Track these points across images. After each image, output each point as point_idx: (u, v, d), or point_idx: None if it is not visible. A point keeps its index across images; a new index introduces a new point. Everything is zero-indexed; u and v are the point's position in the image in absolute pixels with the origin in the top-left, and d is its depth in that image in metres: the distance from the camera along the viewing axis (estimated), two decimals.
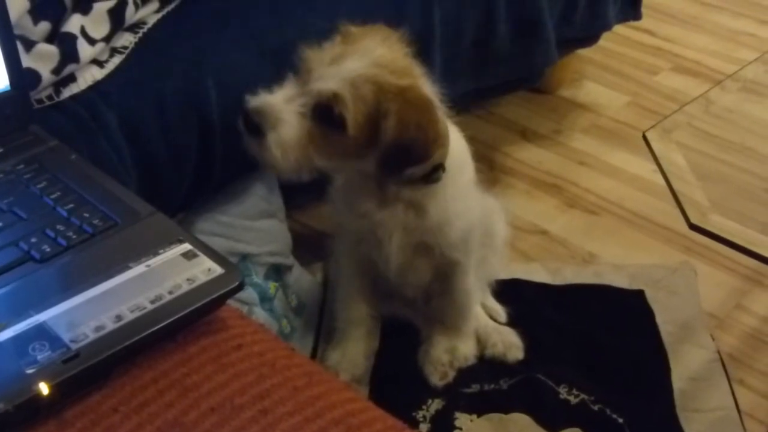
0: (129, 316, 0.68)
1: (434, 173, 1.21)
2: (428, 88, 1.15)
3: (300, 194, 1.68)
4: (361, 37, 1.14)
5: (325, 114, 1.10)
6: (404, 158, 1.13)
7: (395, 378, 1.45)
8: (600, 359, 1.49)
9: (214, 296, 0.71)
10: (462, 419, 1.37)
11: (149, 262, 0.74)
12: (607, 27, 2.00)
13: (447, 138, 1.16)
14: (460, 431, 1.35)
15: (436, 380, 1.42)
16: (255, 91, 1.12)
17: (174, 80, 1.22)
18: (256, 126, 1.11)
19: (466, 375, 1.44)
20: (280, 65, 1.32)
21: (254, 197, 1.44)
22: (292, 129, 1.10)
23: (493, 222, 1.49)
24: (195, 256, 0.74)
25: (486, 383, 1.43)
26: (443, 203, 1.26)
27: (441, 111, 1.16)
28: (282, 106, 1.11)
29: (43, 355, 0.64)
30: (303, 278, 1.58)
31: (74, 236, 0.77)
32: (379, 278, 1.44)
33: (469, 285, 1.43)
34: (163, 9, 1.32)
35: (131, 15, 1.24)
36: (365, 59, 1.10)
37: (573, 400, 1.40)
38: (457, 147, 1.24)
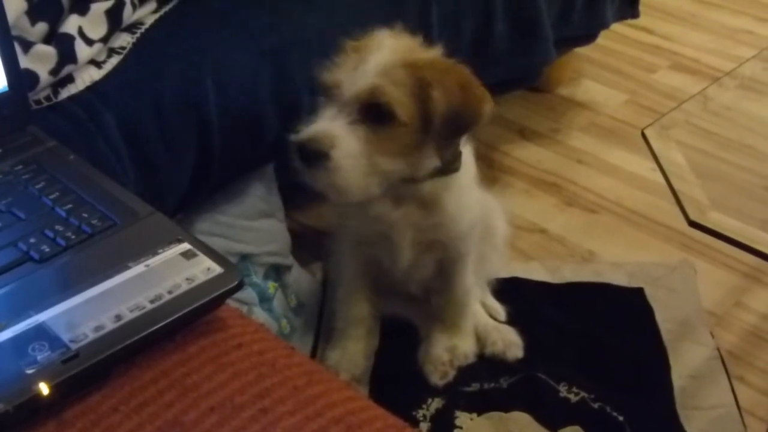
0: (128, 316, 0.68)
1: (454, 161, 1.22)
2: (450, 59, 1.16)
3: (299, 194, 1.68)
4: (368, 41, 1.15)
5: (373, 113, 1.10)
6: (460, 124, 1.14)
7: (395, 377, 1.45)
8: (600, 357, 1.49)
9: (213, 295, 0.71)
10: (462, 418, 1.37)
11: (148, 262, 0.74)
12: (605, 25, 2.00)
13: (489, 96, 1.16)
14: (460, 430, 1.35)
15: (436, 379, 1.42)
16: (295, 127, 1.11)
17: (172, 80, 1.22)
18: (315, 153, 1.09)
19: (466, 374, 1.44)
20: (279, 65, 1.33)
21: (253, 197, 1.44)
22: (351, 140, 1.10)
23: (494, 220, 1.49)
24: (194, 255, 0.74)
25: (486, 382, 1.43)
26: (457, 194, 1.27)
27: (472, 74, 1.16)
28: (330, 124, 1.10)
29: (42, 355, 0.64)
30: (302, 278, 1.58)
31: (73, 236, 0.77)
32: (382, 277, 1.44)
33: (469, 281, 1.44)
34: (161, 9, 1.31)
35: (129, 15, 1.24)
36: (385, 50, 1.12)
37: (573, 398, 1.40)
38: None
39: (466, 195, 1.29)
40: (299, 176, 1.13)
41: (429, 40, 1.20)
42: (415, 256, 1.35)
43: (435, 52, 1.16)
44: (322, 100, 1.14)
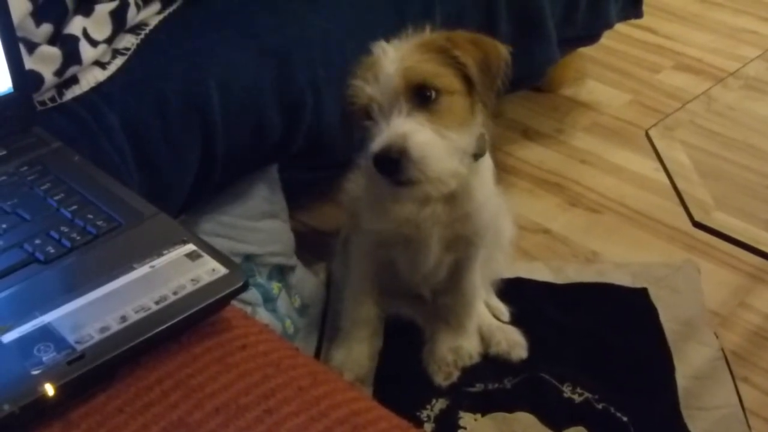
0: (134, 317, 0.68)
1: (482, 144, 1.24)
2: None
3: (302, 194, 1.68)
4: (372, 55, 1.16)
5: (419, 95, 1.12)
6: (492, 72, 1.16)
7: (399, 378, 1.45)
8: (603, 358, 1.49)
9: (218, 296, 0.71)
10: (466, 418, 1.37)
11: (153, 263, 0.74)
12: (609, 25, 2.00)
13: (497, 40, 1.20)
14: (464, 430, 1.35)
15: (440, 380, 1.42)
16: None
17: (175, 81, 1.22)
18: (397, 155, 1.10)
19: (470, 374, 1.44)
20: (282, 65, 1.33)
21: (257, 198, 1.44)
22: (417, 129, 1.11)
23: (500, 219, 1.49)
24: (199, 256, 0.74)
25: (490, 382, 1.43)
26: (484, 181, 1.29)
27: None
28: (391, 126, 1.11)
29: (48, 356, 0.64)
30: (306, 278, 1.58)
31: (78, 237, 0.77)
32: (393, 279, 1.44)
33: (477, 281, 1.44)
34: (165, 10, 1.32)
35: (133, 16, 1.24)
36: (396, 48, 1.15)
37: (577, 398, 1.40)
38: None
39: (489, 184, 1.32)
40: (400, 189, 1.15)
41: None
42: (440, 255, 1.36)
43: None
44: (368, 124, 1.15)
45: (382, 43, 1.17)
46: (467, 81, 1.15)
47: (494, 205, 1.35)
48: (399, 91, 1.12)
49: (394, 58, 1.13)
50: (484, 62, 1.15)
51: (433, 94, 1.12)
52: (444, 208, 1.28)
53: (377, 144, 1.11)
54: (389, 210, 1.28)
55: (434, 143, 1.12)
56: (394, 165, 1.11)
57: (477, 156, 1.24)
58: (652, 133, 2.11)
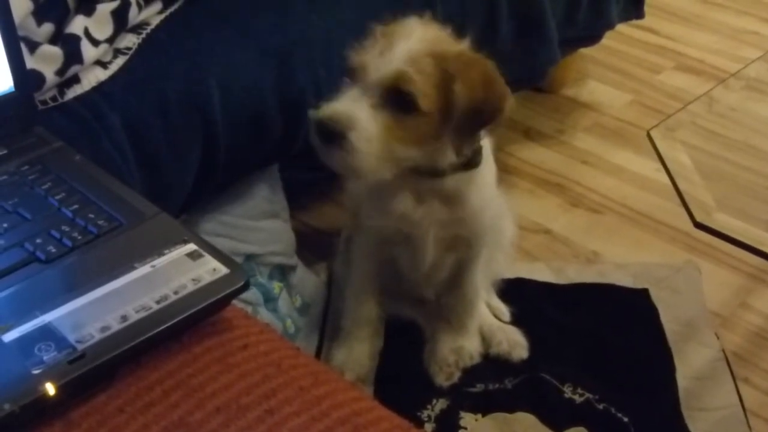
0: (134, 317, 0.68)
1: (476, 156, 1.22)
2: (477, 53, 1.17)
3: (303, 194, 1.68)
4: (397, 27, 1.15)
5: (395, 100, 1.11)
6: (479, 119, 1.14)
7: (400, 377, 1.45)
8: (604, 358, 1.49)
9: (219, 296, 0.71)
10: (467, 418, 1.37)
11: (154, 263, 0.74)
12: (610, 26, 2.00)
13: (509, 93, 1.16)
14: (465, 430, 1.35)
15: (441, 380, 1.42)
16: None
17: (177, 81, 1.22)
18: (333, 132, 1.10)
19: (470, 375, 1.44)
20: (283, 65, 1.33)
21: (257, 198, 1.44)
22: (370, 123, 1.10)
23: (502, 220, 1.49)
24: (200, 256, 0.74)
25: (491, 383, 1.43)
26: (482, 188, 1.28)
27: (496, 69, 1.17)
28: (352, 105, 1.11)
29: (48, 355, 0.64)
30: (307, 278, 1.58)
31: (79, 237, 0.77)
32: (393, 278, 1.44)
33: (478, 281, 1.44)
34: (166, 10, 1.32)
35: (134, 16, 1.24)
36: (413, 38, 1.12)
37: (578, 399, 1.40)
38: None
39: (488, 189, 1.31)
40: (317, 152, 1.14)
41: (458, 33, 1.20)
42: (437, 257, 1.35)
43: (463, 45, 1.17)
44: (346, 81, 1.14)
45: (414, 21, 1.15)
46: (451, 108, 1.12)
47: (494, 209, 1.34)
48: (385, 82, 1.10)
49: (406, 49, 1.11)
50: (477, 109, 1.12)
51: (409, 106, 1.11)
52: (441, 208, 1.28)
53: (328, 108, 1.11)
54: (388, 205, 1.28)
55: (371, 146, 1.11)
56: (326, 133, 1.11)
57: (468, 166, 1.23)
58: (654, 133, 2.11)
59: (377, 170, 1.14)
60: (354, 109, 1.10)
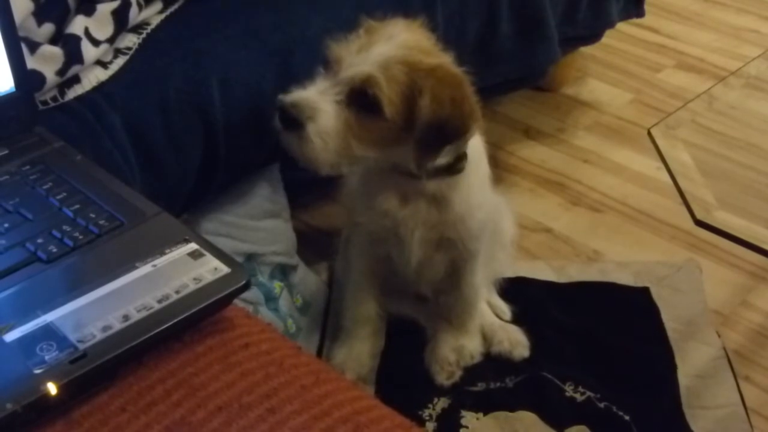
0: (136, 316, 0.68)
1: (458, 163, 1.22)
2: (456, 68, 1.16)
3: (304, 194, 1.68)
4: (383, 27, 1.15)
5: (361, 100, 1.11)
6: (442, 136, 1.13)
7: (401, 377, 1.45)
8: (605, 357, 1.49)
9: (220, 295, 0.71)
10: (468, 417, 1.37)
11: (156, 262, 0.74)
12: (610, 24, 2.00)
13: (479, 113, 1.16)
14: (466, 429, 1.35)
15: (442, 379, 1.42)
16: (281, 91, 1.13)
17: (177, 80, 1.22)
18: (294, 120, 1.11)
19: (471, 373, 1.44)
20: (284, 64, 1.33)
21: (258, 197, 1.44)
22: (331, 118, 1.11)
23: (501, 219, 1.49)
24: (201, 255, 0.74)
25: (492, 381, 1.43)
26: (466, 194, 1.27)
27: (471, 88, 1.16)
28: (317, 97, 1.11)
29: (50, 355, 0.64)
30: (308, 278, 1.58)
31: (80, 237, 0.77)
32: (391, 276, 1.44)
33: (478, 280, 1.44)
34: (167, 10, 1.32)
35: (135, 16, 1.24)
36: (393, 43, 1.12)
37: (579, 397, 1.40)
38: (474, 139, 1.24)
39: (476, 194, 1.29)
40: (281, 131, 1.15)
41: (435, 39, 1.20)
42: (425, 255, 1.35)
43: (442, 58, 1.16)
44: (320, 71, 1.15)
45: (400, 24, 1.15)
46: (414, 123, 1.12)
47: (484, 214, 1.33)
48: (354, 81, 1.11)
49: (383, 52, 1.11)
50: (440, 125, 1.11)
51: (373, 109, 1.11)
52: (426, 209, 1.27)
53: (294, 95, 1.12)
54: (373, 203, 1.28)
55: (328, 140, 1.11)
56: (288, 118, 1.11)
57: (451, 172, 1.22)
58: (654, 132, 2.10)
59: (331, 164, 1.14)
60: (318, 101, 1.11)
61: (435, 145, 1.14)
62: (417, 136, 1.12)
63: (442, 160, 1.19)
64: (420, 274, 1.41)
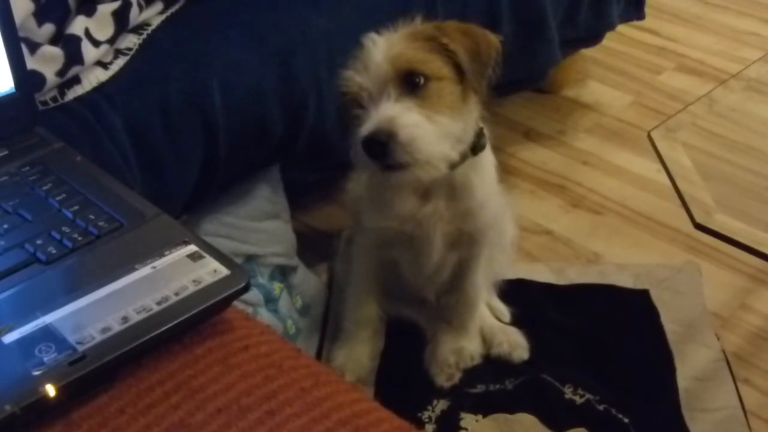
0: (135, 318, 0.68)
1: (480, 140, 1.24)
2: None
3: (304, 195, 1.68)
4: (364, 47, 1.17)
5: (407, 82, 1.13)
6: (483, 58, 1.17)
7: (400, 379, 1.45)
8: (605, 359, 1.49)
9: (220, 297, 0.71)
10: (467, 419, 1.37)
11: (155, 264, 0.74)
12: (611, 27, 2.00)
13: (489, 31, 1.21)
14: (465, 431, 1.35)
15: (442, 381, 1.42)
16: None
17: (178, 81, 1.22)
18: (385, 138, 1.10)
19: (471, 375, 1.44)
20: (284, 65, 1.33)
21: (259, 198, 1.44)
22: (405, 111, 1.11)
23: (503, 220, 1.49)
24: (201, 257, 0.74)
25: (491, 383, 1.43)
26: (485, 177, 1.29)
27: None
28: (380, 111, 1.12)
29: (49, 356, 0.64)
30: (308, 279, 1.58)
31: (80, 238, 0.77)
32: (394, 279, 1.44)
33: (480, 281, 1.45)
34: (167, 10, 1.32)
35: (135, 17, 1.24)
36: (385, 38, 1.16)
37: (578, 400, 1.40)
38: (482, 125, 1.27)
39: (491, 181, 1.32)
40: (386, 174, 1.15)
41: None
42: (441, 256, 1.35)
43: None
44: (360, 113, 1.15)
45: (372, 35, 1.17)
46: (457, 68, 1.16)
47: (497, 204, 1.35)
48: (387, 78, 1.12)
49: (382, 47, 1.14)
50: (474, 50, 1.16)
51: (422, 80, 1.13)
52: (446, 204, 1.28)
53: (365, 128, 1.12)
54: (391, 207, 1.28)
55: (423, 126, 1.12)
56: (383, 149, 1.11)
57: (476, 150, 1.24)
58: (654, 134, 2.10)
59: (441, 153, 1.15)
60: (384, 110, 1.12)
61: (483, 70, 1.17)
62: (469, 70, 1.15)
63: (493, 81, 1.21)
64: (430, 277, 1.41)
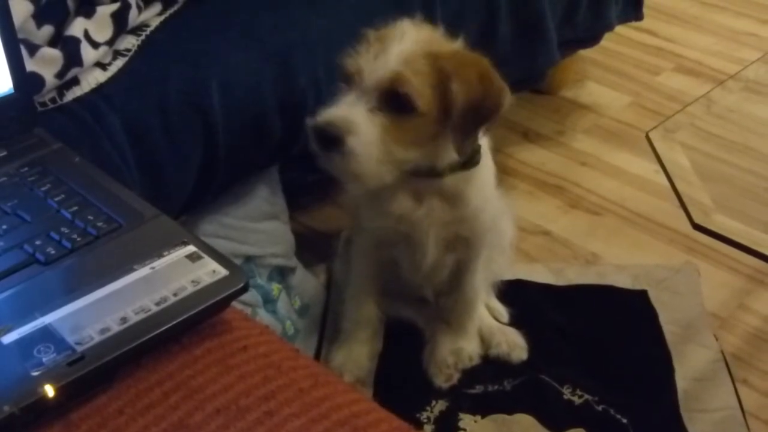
0: (134, 318, 0.68)
1: (474, 155, 1.22)
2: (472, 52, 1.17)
3: (303, 196, 1.68)
4: (390, 30, 1.15)
5: (393, 102, 1.11)
6: (478, 116, 1.14)
7: (398, 379, 1.45)
8: (603, 360, 1.49)
9: (219, 298, 0.71)
10: (466, 420, 1.37)
11: (154, 264, 0.74)
12: (609, 27, 2.00)
13: (507, 88, 1.16)
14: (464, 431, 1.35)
15: (440, 382, 1.42)
16: (313, 110, 1.12)
17: (176, 82, 1.22)
18: (332, 138, 1.10)
19: (469, 376, 1.44)
20: (283, 66, 1.33)
21: (257, 199, 1.45)
22: (368, 126, 1.10)
23: (501, 221, 1.50)
24: (199, 257, 0.74)
25: (490, 384, 1.43)
26: (480, 188, 1.28)
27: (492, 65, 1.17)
28: (349, 110, 1.11)
29: (48, 357, 0.64)
30: (306, 280, 1.58)
31: (79, 238, 0.77)
32: (393, 279, 1.44)
33: (478, 282, 1.45)
34: (166, 11, 1.32)
35: (134, 18, 1.24)
36: (407, 40, 1.12)
37: (577, 400, 1.40)
38: None
39: (488, 188, 1.31)
40: (316, 159, 1.14)
41: (450, 34, 1.20)
42: (439, 256, 1.35)
43: (456, 44, 1.17)
44: (342, 87, 1.14)
45: (406, 24, 1.15)
46: (448, 109, 1.12)
47: (494, 210, 1.34)
48: (381, 85, 1.11)
49: (400, 50, 1.11)
50: (475, 106, 1.12)
51: (406, 107, 1.11)
52: (440, 207, 1.28)
53: (325, 114, 1.11)
54: (386, 206, 1.28)
55: (371, 149, 1.11)
56: (325, 139, 1.11)
57: (467, 165, 1.23)
58: (652, 135, 2.11)
59: (378, 174, 1.14)
60: (352, 114, 1.11)
61: (473, 127, 1.15)
62: (455, 123, 1.12)
63: (481, 140, 1.19)
64: (427, 277, 1.41)
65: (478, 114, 1.14)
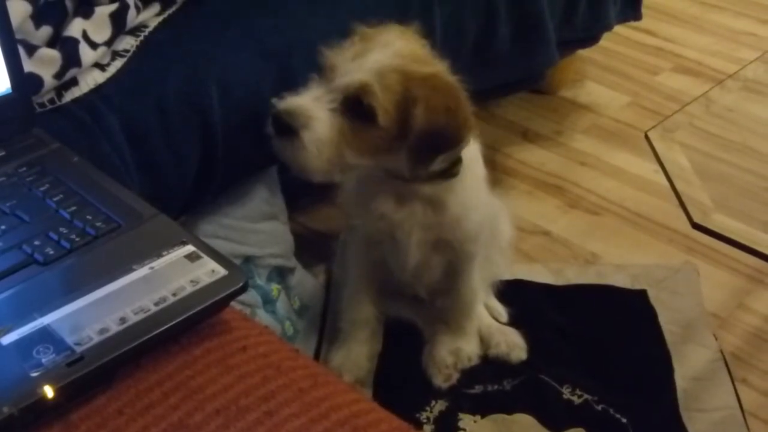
0: (133, 319, 0.68)
1: (453, 167, 1.22)
2: (451, 76, 1.15)
3: (302, 196, 1.68)
4: (377, 34, 1.15)
5: (355, 108, 1.10)
6: (436, 145, 1.13)
7: (398, 379, 1.45)
8: (603, 359, 1.49)
9: (218, 298, 0.71)
10: (465, 420, 1.37)
11: (153, 264, 0.74)
12: (608, 27, 2.00)
13: (474, 123, 1.15)
14: None
15: (440, 382, 1.42)
16: (278, 94, 1.13)
17: (175, 83, 1.22)
18: (287, 127, 1.11)
19: (469, 376, 1.44)
20: (282, 67, 1.33)
21: (256, 199, 1.44)
22: (325, 125, 1.10)
23: (499, 222, 1.49)
24: (199, 257, 0.74)
25: (489, 384, 1.43)
26: (461, 196, 1.27)
27: (466, 97, 1.15)
28: (311, 104, 1.11)
29: (47, 358, 0.64)
30: (305, 280, 1.58)
31: (77, 239, 0.77)
32: (389, 279, 1.44)
33: (475, 282, 1.44)
34: (165, 12, 1.32)
35: (133, 18, 1.24)
36: (387, 51, 1.12)
37: (576, 400, 1.40)
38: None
39: (472, 196, 1.29)
40: (274, 137, 1.14)
41: (433, 43, 1.20)
42: (422, 257, 1.35)
43: (437, 67, 1.15)
44: (314, 77, 1.14)
45: (394, 32, 1.15)
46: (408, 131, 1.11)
47: (480, 217, 1.33)
48: (348, 89, 1.10)
49: (377, 61, 1.10)
50: (433, 135, 1.11)
51: (367, 117, 1.10)
52: (422, 211, 1.27)
53: (288, 101, 1.11)
54: (371, 204, 1.28)
55: (322, 148, 1.10)
56: (281, 125, 1.11)
57: (445, 175, 1.22)
58: (652, 135, 2.11)
59: (324, 171, 1.14)
60: (313, 108, 1.11)
61: (428, 154, 1.14)
62: (410, 145, 1.12)
63: (436, 167, 1.18)
64: (417, 277, 1.41)
65: (436, 143, 1.13)
